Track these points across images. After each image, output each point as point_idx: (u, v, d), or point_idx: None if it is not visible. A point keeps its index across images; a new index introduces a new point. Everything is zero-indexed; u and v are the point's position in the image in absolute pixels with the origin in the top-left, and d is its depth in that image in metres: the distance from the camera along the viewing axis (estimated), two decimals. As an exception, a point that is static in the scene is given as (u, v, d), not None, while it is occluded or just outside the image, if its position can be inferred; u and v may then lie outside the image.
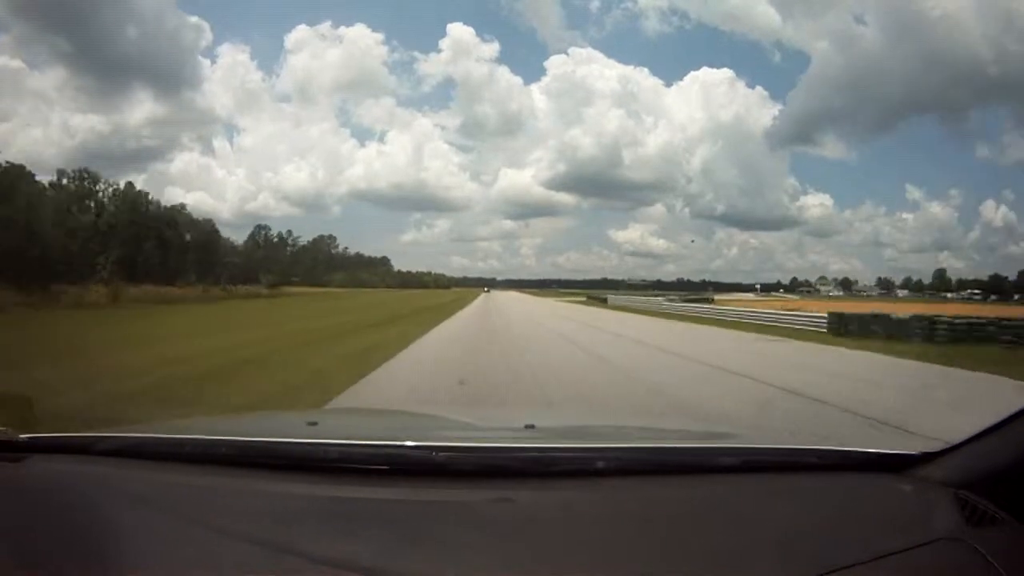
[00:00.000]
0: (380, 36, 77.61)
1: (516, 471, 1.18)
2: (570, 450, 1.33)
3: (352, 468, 1.15)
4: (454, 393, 6.97)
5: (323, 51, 74.80)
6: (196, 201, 69.65)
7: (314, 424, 1.66)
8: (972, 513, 1.01)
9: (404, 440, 1.25)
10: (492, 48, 79.60)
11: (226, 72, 72.96)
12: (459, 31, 75.45)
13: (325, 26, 74.87)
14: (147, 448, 1.31)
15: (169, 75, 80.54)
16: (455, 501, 1.08)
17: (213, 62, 77.12)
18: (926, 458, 1.22)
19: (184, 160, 74.62)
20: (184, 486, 1.14)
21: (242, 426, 1.87)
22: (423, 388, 7.38)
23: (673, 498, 1.14)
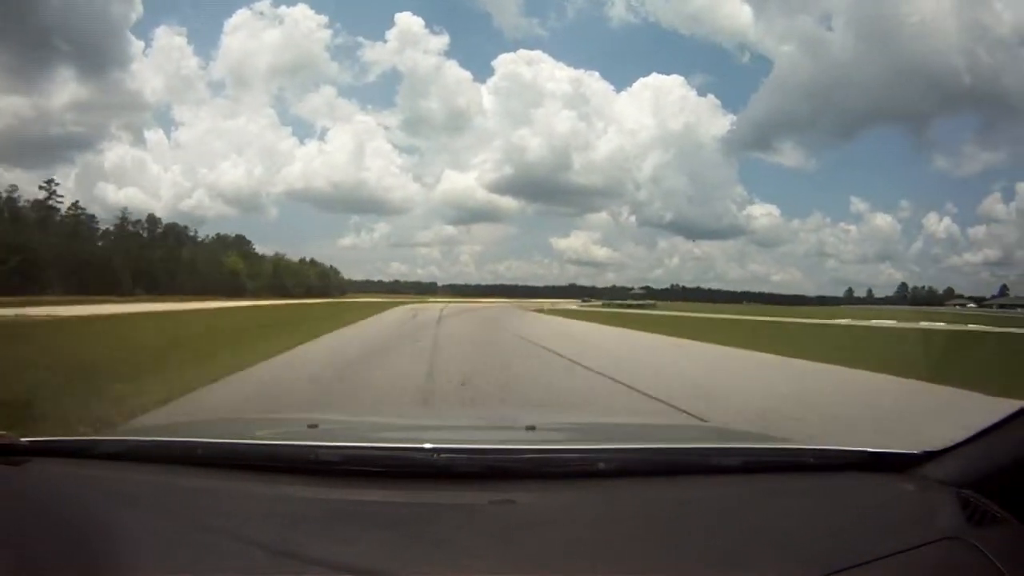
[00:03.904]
0: (323, 19, 72.72)
1: (517, 472, 1.18)
2: (571, 451, 1.34)
3: (353, 470, 1.15)
4: (454, 394, 6.92)
5: (262, 31, 68.59)
6: (129, 198, 63.46)
7: (314, 426, 1.66)
8: (974, 512, 1.01)
9: (405, 442, 1.26)
10: (442, 41, 77.37)
11: (159, 52, 66.54)
12: (408, 20, 72.85)
13: (265, 4, 70.10)
14: (148, 451, 1.31)
15: (95, 51, 72.80)
16: (456, 503, 1.08)
17: (145, 42, 70.75)
18: (927, 457, 1.22)
19: (117, 153, 67.32)
20: (184, 489, 1.13)
21: (242, 429, 1.87)
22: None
23: (674, 499, 1.14)
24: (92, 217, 54.93)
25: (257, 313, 25.70)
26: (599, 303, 66.05)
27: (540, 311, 38.02)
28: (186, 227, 65.35)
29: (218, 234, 69.19)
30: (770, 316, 35.44)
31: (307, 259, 72.08)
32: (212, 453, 1.23)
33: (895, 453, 1.27)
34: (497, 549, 0.94)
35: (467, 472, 1.15)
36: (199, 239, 65.01)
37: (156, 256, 52.18)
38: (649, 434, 2.02)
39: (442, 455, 1.17)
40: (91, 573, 0.88)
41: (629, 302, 64.00)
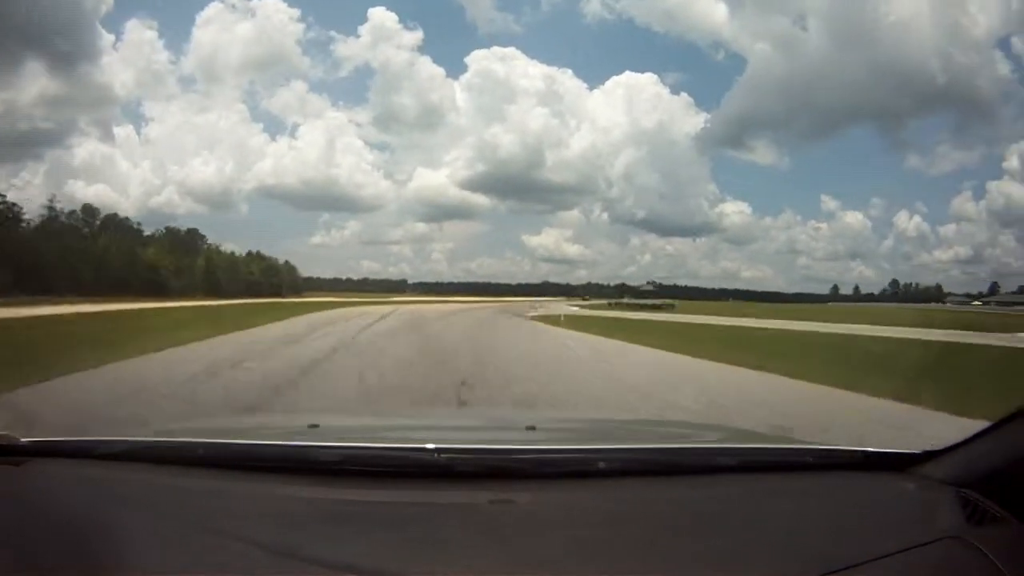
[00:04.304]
0: (296, 12, 71.44)
1: (518, 472, 1.18)
2: (571, 451, 1.33)
3: (353, 470, 1.14)
4: (456, 394, 6.83)
5: (233, 25, 66.91)
6: (98, 195, 59.07)
7: (315, 427, 1.66)
8: (974, 512, 1.02)
9: (405, 442, 1.26)
10: (415, 36, 76.57)
11: (129, 46, 63.46)
12: (381, 15, 71.73)
13: (236, -4, 67.85)
14: (148, 451, 1.31)
15: (64, 44, 67.63)
16: (457, 503, 1.08)
17: (115, 35, 67.48)
18: (927, 457, 1.23)
19: (86, 149, 64.13)
20: (185, 489, 1.13)
21: (243, 429, 1.87)
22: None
23: (674, 498, 1.14)
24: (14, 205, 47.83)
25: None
26: (603, 302, 59.61)
27: (539, 318, 25.64)
28: (127, 218, 59.34)
29: (167, 227, 62.64)
30: (804, 321, 25.22)
31: (254, 252, 64.90)
32: (212, 453, 1.23)
33: (895, 453, 1.28)
34: (497, 549, 0.94)
35: (467, 472, 1.15)
36: (147, 233, 57.96)
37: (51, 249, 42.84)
38: (649, 434, 2.03)
39: (442, 455, 1.16)
40: (91, 573, 0.87)
41: (642, 301, 55.21)
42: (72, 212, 52.69)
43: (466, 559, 0.90)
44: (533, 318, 25.99)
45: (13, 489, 1.16)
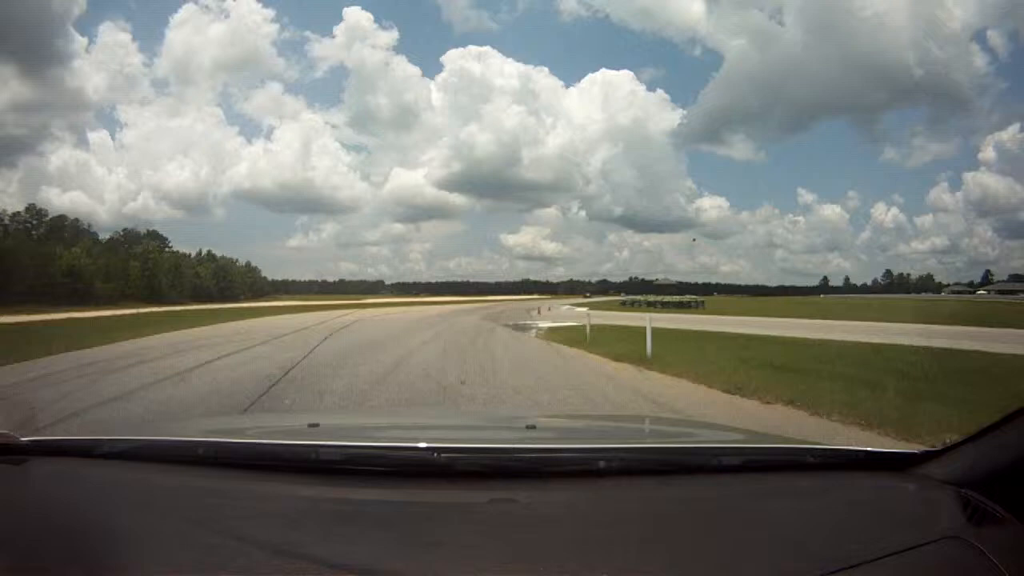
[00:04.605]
0: (270, 12, 70.56)
1: (518, 472, 1.18)
2: (571, 450, 1.33)
3: (354, 470, 1.15)
4: (455, 393, 6.81)
5: (207, 26, 66.41)
6: (73, 201, 58.05)
7: (315, 425, 1.65)
8: (974, 512, 1.02)
9: (406, 441, 1.26)
10: (391, 35, 75.17)
11: (102, 49, 62.82)
12: (356, 14, 70.32)
13: (211, -2, 61.63)
14: (148, 451, 1.31)
15: (36, 48, 67.29)
16: (457, 502, 1.08)
17: (88, 38, 66.84)
18: (928, 457, 1.23)
19: (60, 156, 63.97)
20: (185, 488, 1.13)
21: (243, 428, 1.86)
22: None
23: (674, 498, 1.14)
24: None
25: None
26: (605, 300, 56.14)
27: (559, 336, 14.98)
28: (76, 219, 55.89)
29: (125, 229, 58.87)
30: (867, 320, 21.78)
31: (204, 253, 59.86)
32: (213, 453, 1.23)
33: (895, 452, 1.29)
34: (497, 548, 0.94)
35: (468, 471, 1.15)
36: (101, 237, 53.55)
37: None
38: (649, 433, 2.04)
39: (443, 454, 1.17)
40: (91, 572, 0.87)
41: (664, 298, 46.55)
42: (16, 214, 49.32)
43: (466, 558, 0.90)
44: (549, 336, 15.61)
45: (13, 488, 1.16)
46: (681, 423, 3.08)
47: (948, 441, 1.23)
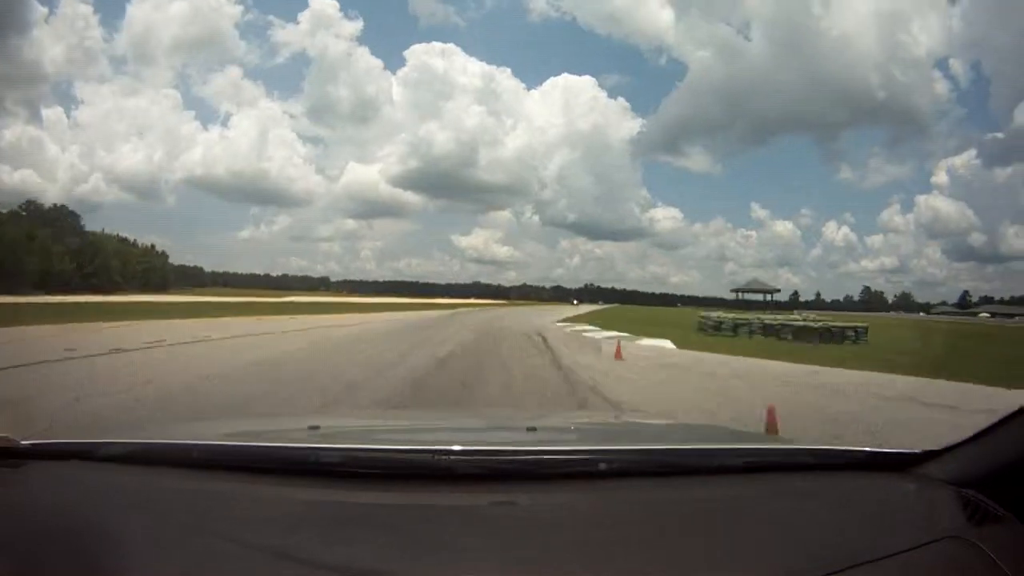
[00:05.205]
0: None
1: (518, 474, 1.18)
2: (572, 452, 1.34)
3: (354, 472, 1.14)
4: (455, 394, 6.82)
5: (170, 2, 64.09)
6: (23, 180, 54.15)
7: (315, 428, 1.65)
8: (975, 512, 1.02)
9: (406, 444, 1.27)
10: (355, 25, 73.69)
11: (62, 20, 59.62)
12: (322, 1, 68.87)
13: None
14: (147, 454, 1.31)
15: None
16: (457, 505, 1.08)
17: (48, 8, 63.62)
18: (928, 456, 1.23)
19: (13, 132, 59.94)
20: (186, 491, 1.13)
21: (242, 431, 1.85)
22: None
23: (675, 499, 1.14)
24: None
25: None
26: (599, 308, 49.08)
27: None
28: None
29: (28, 201, 48.78)
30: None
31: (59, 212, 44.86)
32: (212, 455, 1.23)
33: (896, 452, 1.29)
34: (498, 551, 0.94)
35: (468, 474, 1.15)
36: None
37: None
38: (649, 435, 2.03)
39: (443, 457, 1.17)
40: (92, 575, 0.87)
41: (792, 319, 24.59)
42: None
43: (467, 561, 0.90)
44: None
45: (12, 491, 1.16)
46: (681, 425, 3.07)
47: (949, 441, 1.23)
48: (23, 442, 1.25)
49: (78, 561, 0.90)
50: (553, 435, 1.85)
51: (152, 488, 1.15)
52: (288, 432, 1.78)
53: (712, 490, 1.19)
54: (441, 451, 1.18)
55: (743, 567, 0.92)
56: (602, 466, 1.19)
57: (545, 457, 1.26)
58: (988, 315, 70.28)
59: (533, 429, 1.70)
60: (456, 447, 1.22)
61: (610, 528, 1.01)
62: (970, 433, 1.18)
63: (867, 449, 1.33)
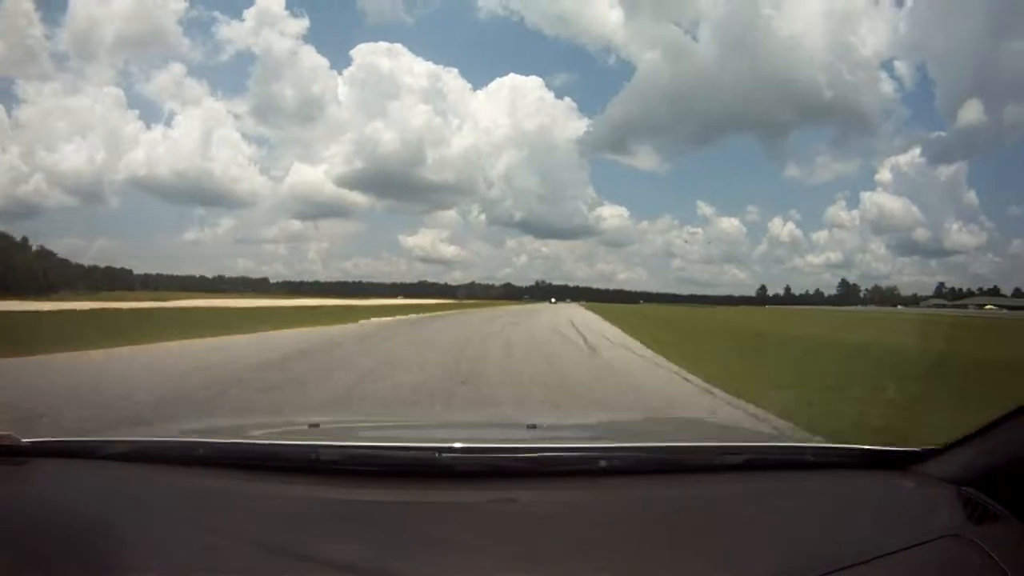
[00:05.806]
0: None
1: (519, 471, 1.18)
2: (573, 450, 1.34)
3: (354, 470, 1.15)
4: (455, 393, 6.77)
5: None
6: None
7: (315, 426, 1.65)
8: (975, 510, 1.02)
9: (406, 441, 1.27)
10: (301, 24, 72.28)
11: (3, 16, 57.98)
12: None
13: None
14: (148, 452, 1.31)
15: None
16: (458, 502, 1.08)
17: None
18: (928, 455, 1.23)
19: None
20: (187, 489, 1.13)
21: (243, 428, 1.86)
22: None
23: (676, 497, 1.14)
24: None
25: None
26: (599, 306, 43.08)
27: None
28: None
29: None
30: None
31: None
32: (213, 453, 1.23)
33: (896, 450, 1.29)
34: (498, 548, 0.94)
35: (468, 471, 1.15)
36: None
37: None
38: (650, 432, 2.04)
39: (443, 454, 1.17)
40: (92, 574, 0.88)
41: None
42: None
43: (467, 558, 0.90)
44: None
45: (14, 490, 1.16)
46: (681, 422, 3.07)
47: (949, 440, 1.23)
48: (25, 440, 1.25)
49: (80, 558, 0.90)
50: (553, 432, 1.85)
51: (153, 486, 1.15)
52: (288, 430, 1.79)
53: (712, 488, 1.19)
54: (442, 448, 1.18)
55: (743, 564, 0.92)
56: (602, 463, 1.19)
57: (545, 455, 1.26)
58: (995, 308, 68.83)
59: (533, 427, 1.71)
60: (456, 444, 1.22)
61: (610, 525, 1.02)
62: (970, 432, 1.18)
63: (867, 447, 1.33)
